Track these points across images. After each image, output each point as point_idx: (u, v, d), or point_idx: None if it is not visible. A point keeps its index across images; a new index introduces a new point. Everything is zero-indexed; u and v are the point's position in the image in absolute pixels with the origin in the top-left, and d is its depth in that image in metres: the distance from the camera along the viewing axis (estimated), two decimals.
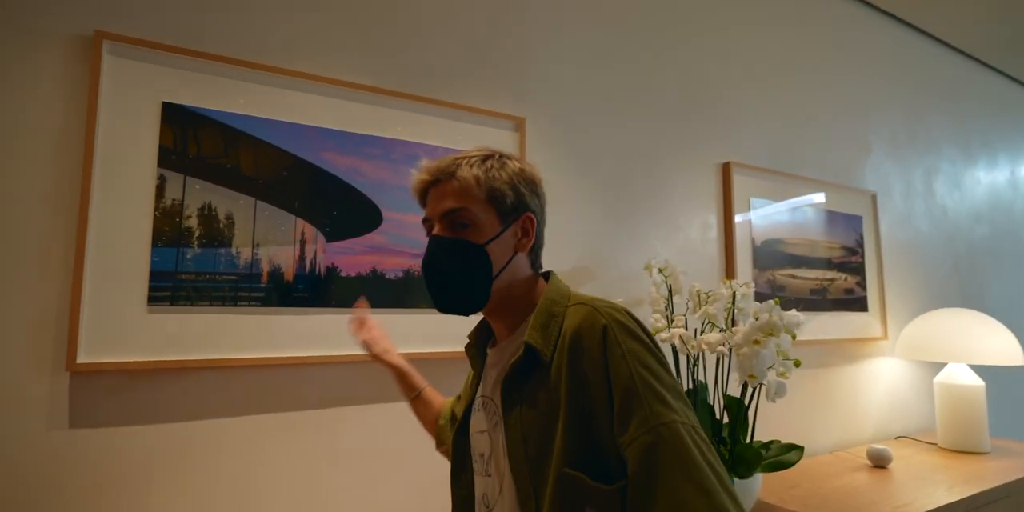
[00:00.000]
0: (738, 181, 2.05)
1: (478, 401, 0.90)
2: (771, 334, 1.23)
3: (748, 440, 1.47)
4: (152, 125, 1.16)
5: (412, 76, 1.46)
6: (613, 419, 0.70)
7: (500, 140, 1.55)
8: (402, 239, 1.39)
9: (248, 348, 1.20)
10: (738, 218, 2.02)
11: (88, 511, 1.06)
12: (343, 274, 1.31)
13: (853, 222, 2.40)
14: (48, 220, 1.06)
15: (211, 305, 1.18)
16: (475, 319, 0.93)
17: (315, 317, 1.28)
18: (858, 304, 2.35)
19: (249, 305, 1.21)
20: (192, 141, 1.19)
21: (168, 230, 1.15)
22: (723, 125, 2.06)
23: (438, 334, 1.40)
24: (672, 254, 1.86)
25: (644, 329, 0.77)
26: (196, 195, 1.18)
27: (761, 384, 1.35)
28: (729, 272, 1.98)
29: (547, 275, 0.90)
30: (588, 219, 1.71)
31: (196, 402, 1.16)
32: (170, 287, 1.14)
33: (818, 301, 2.22)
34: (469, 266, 0.81)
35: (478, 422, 0.89)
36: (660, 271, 1.59)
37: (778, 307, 1.51)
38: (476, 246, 0.81)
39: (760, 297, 2.05)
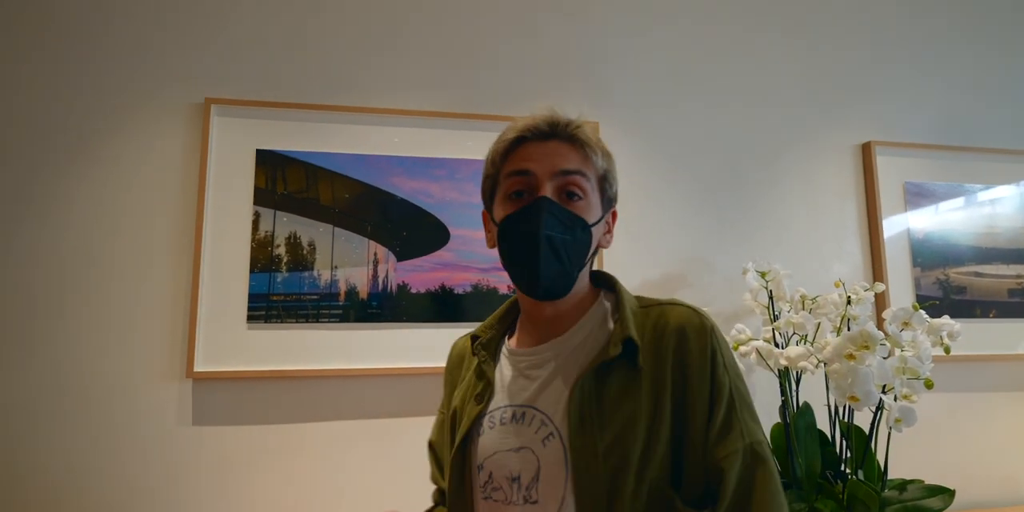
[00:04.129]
0: (885, 163, 1.71)
1: (500, 413, 0.74)
2: (866, 347, 1.00)
3: (879, 477, 1.21)
4: (248, 169, 1.37)
5: (477, 96, 1.51)
6: (709, 430, 0.66)
7: None
8: (469, 255, 1.43)
9: (329, 360, 1.34)
10: (886, 208, 1.69)
11: (208, 494, 1.27)
12: (413, 291, 1.40)
13: None
14: (171, 256, 1.32)
15: (297, 322, 1.34)
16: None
17: (388, 331, 1.37)
18: None
19: (329, 321, 1.35)
20: (280, 180, 1.38)
21: (262, 258, 1.34)
22: (858, 101, 1.74)
23: None
24: (796, 257, 1.61)
25: None
26: (284, 226, 1.36)
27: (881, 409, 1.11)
28: (877, 275, 1.66)
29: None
30: (681, 223, 1.57)
31: (287, 407, 1.33)
32: (264, 307, 1.33)
33: (1022, 305, 1.74)
34: (575, 248, 0.71)
35: (504, 439, 0.72)
36: (762, 275, 1.40)
37: (919, 313, 1.24)
38: (585, 223, 0.71)
39: (926, 302, 1.67)
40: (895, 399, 1.09)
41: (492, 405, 0.75)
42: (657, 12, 1.65)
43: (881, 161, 1.71)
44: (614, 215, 0.80)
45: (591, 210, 0.73)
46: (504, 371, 0.78)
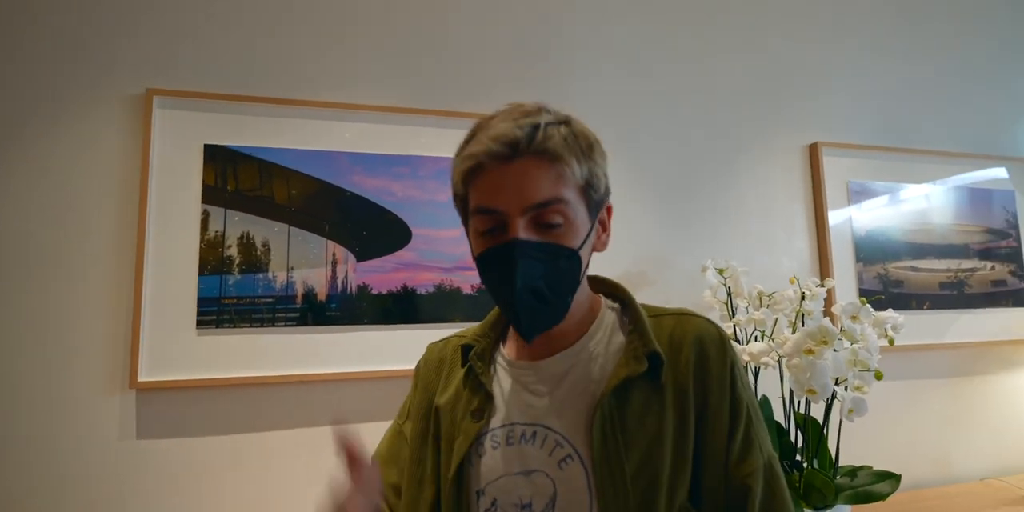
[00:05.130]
0: (830, 163, 1.79)
1: (505, 432, 0.67)
2: (824, 342, 1.04)
3: (831, 465, 1.27)
4: (196, 166, 1.29)
5: (438, 92, 1.47)
6: (731, 446, 0.64)
7: None
8: (432, 254, 1.40)
9: (286, 366, 1.28)
10: (832, 206, 1.76)
11: (154, 510, 1.19)
12: (374, 292, 1.36)
13: (1003, 199, 1.97)
14: (112, 257, 1.23)
15: (251, 326, 1.28)
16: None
17: (348, 334, 1.33)
18: (1012, 298, 1.92)
19: (286, 325, 1.30)
20: (231, 177, 1.30)
21: (212, 260, 1.27)
22: (805, 103, 1.81)
23: None
24: (749, 253, 1.67)
25: None
26: (235, 226, 1.30)
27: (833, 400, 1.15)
28: (824, 269, 1.73)
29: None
30: (641, 221, 1.59)
31: (242, 416, 1.26)
32: (215, 311, 1.26)
33: (952, 297, 1.85)
34: (562, 279, 0.64)
35: (510, 461, 0.66)
36: (720, 272, 1.43)
37: (866, 307, 1.30)
38: (570, 251, 0.64)
39: (870, 295, 1.76)
40: (846, 390, 1.14)
41: (493, 423, 0.68)
42: (614, 10, 1.66)
43: (827, 161, 1.78)
44: (608, 210, 0.71)
45: (575, 232, 0.64)
46: (503, 384, 0.71)
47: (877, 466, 1.30)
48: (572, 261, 0.64)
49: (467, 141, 0.67)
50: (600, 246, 0.72)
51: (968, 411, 1.81)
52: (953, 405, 1.80)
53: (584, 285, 0.72)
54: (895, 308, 1.76)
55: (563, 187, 0.63)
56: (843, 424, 1.24)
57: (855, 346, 1.18)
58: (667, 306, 0.75)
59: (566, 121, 0.66)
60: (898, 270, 1.81)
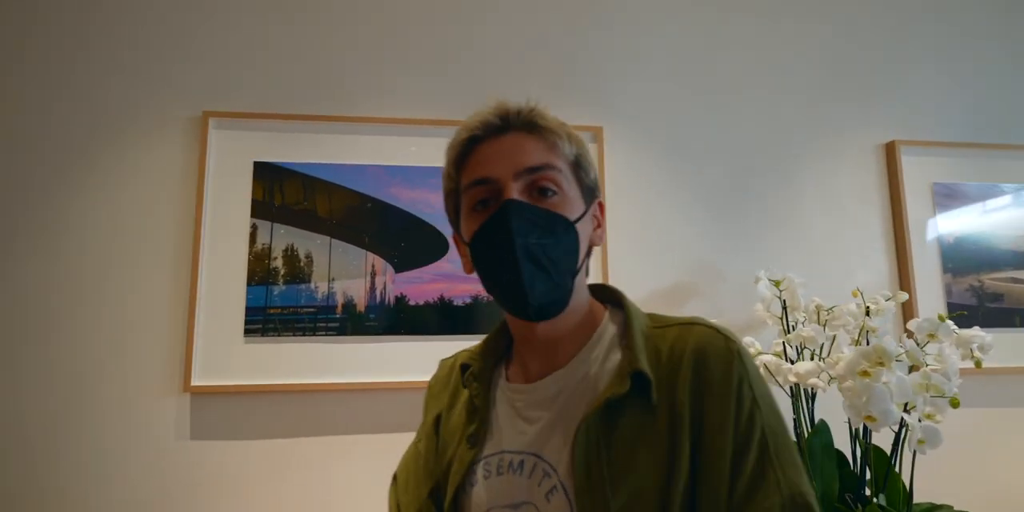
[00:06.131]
0: (910, 163, 1.62)
1: (497, 460, 0.64)
2: (880, 363, 0.93)
3: (905, 501, 1.13)
4: (246, 182, 1.36)
5: (475, 104, 1.47)
6: (736, 481, 0.53)
7: None
8: None
9: (327, 374, 1.32)
10: (913, 211, 1.59)
11: (205, 509, 1.25)
12: (411, 303, 1.37)
13: None
14: (169, 267, 1.32)
15: (294, 335, 1.32)
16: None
17: (386, 344, 1.35)
18: None
19: (326, 334, 1.33)
20: (278, 192, 1.37)
21: (259, 271, 1.33)
22: (881, 97, 1.65)
23: None
24: (816, 264, 1.53)
25: None
26: (281, 238, 1.35)
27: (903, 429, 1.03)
28: (905, 282, 1.56)
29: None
30: (690, 229, 1.51)
31: (285, 422, 1.31)
32: (261, 320, 1.32)
33: None
34: (560, 251, 0.60)
35: (500, 492, 0.62)
36: (776, 284, 1.33)
37: (946, 324, 1.16)
38: (566, 222, 0.60)
39: (959, 310, 1.56)
40: (919, 420, 1.01)
41: (487, 450, 0.65)
42: (660, 7, 1.59)
43: (906, 161, 1.61)
44: (601, 207, 0.68)
45: (570, 204, 0.61)
46: (500, 408, 0.66)
47: (961, 505, 1.15)
48: (570, 234, 0.60)
49: (455, 134, 0.67)
50: (596, 240, 0.67)
51: None
52: None
53: (584, 289, 0.66)
54: (993, 325, 1.57)
55: (555, 157, 0.62)
56: (921, 456, 1.11)
57: (927, 369, 1.05)
58: (679, 316, 0.65)
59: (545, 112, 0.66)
60: (997, 282, 1.60)
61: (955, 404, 1.00)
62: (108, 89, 1.37)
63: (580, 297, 0.64)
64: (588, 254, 0.65)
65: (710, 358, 0.57)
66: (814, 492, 0.55)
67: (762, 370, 1.12)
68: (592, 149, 1.46)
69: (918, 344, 1.20)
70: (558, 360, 0.64)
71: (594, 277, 1.41)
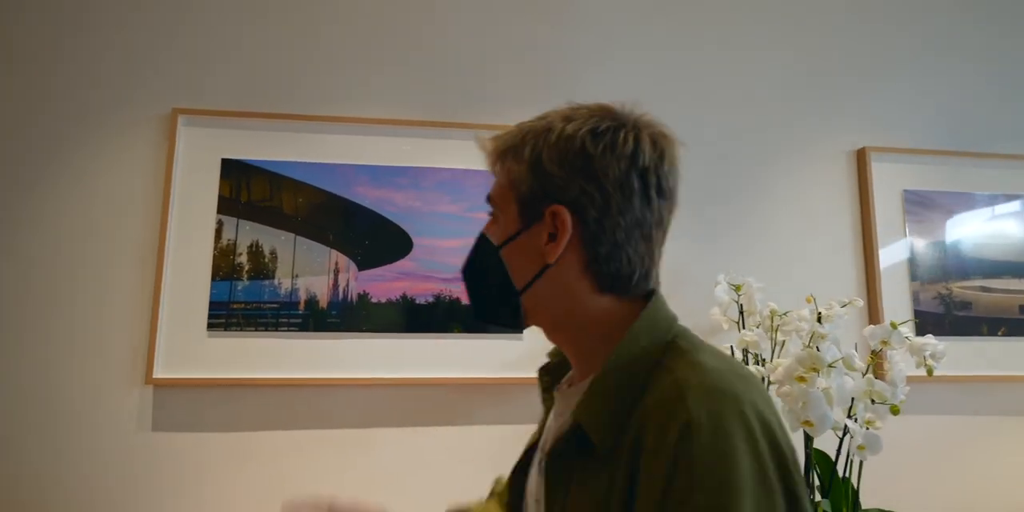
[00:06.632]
0: (881, 170, 1.62)
1: (540, 456, 0.64)
2: (815, 370, 0.93)
3: (852, 506, 1.13)
4: (213, 179, 1.38)
5: (440, 103, 1.49)
6: None
7: None
8: (432, 264, 1.41)
9: (288, 369, 1.34)
10: (883, 217, 1.59)
11: (166, 500, 1.28)
12: (374, 300, 1.38)
13: None
14: (137, 263, 1.34)
15: (256, 330, 1.34)
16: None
17: (348, 341, 1.36)
18: None
19: (288, 330, 1.35)
20: (244, 189, 1.39)
21: (224, 266, 1.35)
22: (852, 103, 1.65)
23: (469, 359, 1.38)
24: (784, 270, 1.53)
25: (776, 432, 0.48)
26: (246, 235, 1.37)
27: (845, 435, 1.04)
28: (872, 289, 1.56)
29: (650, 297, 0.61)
30: None
31: (247, 415, 1.33)
32: (224, 315, 1.34)
33: None
34: (481, 270, 0.63)
35: (532, 485, 0.64)
36: (736, 288, 1.33)
37: (898, 331, 1.17)
38: (488, 246, 0.62)
39: (930, 318, 1.57)
40: (863, 426, 1.02)
41: (542, 440, 0.67)
42: (629, 11, 1.60)
43: (877, 168, 1.61)
44: (555, 215, 0.57)
45: (500, 227, 0.62)
46: (554, 408, 0.67)
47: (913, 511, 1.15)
48: (490, 257, 0.62)
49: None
50: (548, 255, 0.58)
51: None
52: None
53: (586, 305, 0.59)
54: (961, 333, 1.58)
55: (498, 180, 0.63)
56: (882, 463, 1.11)
57: (870, 376, 1.05)
58: (716, 352, 0.56)
59: (571, 117, 0.59)
60: (965, 290, 1.60)
61: (895, 411, 1.01)
62: (78, 85, 1.39)
63: (571, 316, 0.60)
64: (540, 272, 0.59)
65: (653, 422, 0.49)
66: None
67: None
68: None
69: (873, 351, 1.21)
70: (583, 373, 0.62)
71: None
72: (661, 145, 0.59)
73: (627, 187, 0.56)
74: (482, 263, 0.63)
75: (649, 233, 0.59)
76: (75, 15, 1.41)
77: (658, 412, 0.49)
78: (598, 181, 0.56)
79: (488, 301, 0.64)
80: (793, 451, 0.49)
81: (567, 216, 0.56)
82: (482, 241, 0.63)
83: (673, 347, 0.55)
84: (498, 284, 0.61)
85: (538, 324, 0.63)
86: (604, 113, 0.59)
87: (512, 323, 0.63)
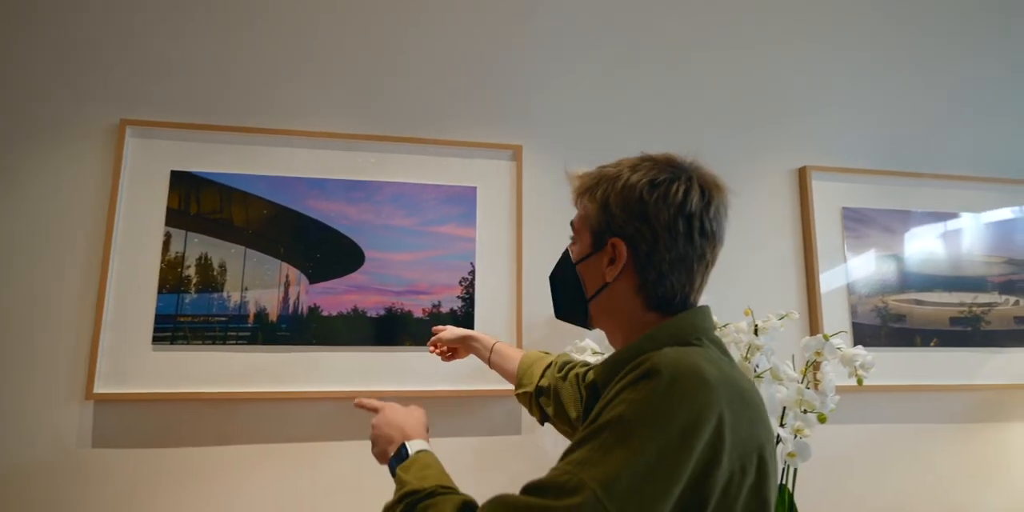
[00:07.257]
0: (822, 188, 1.69)
1: None
2: None
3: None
4: (162, 191, 1.37)
5: (394, 118, 1.51)
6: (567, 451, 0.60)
7: (494, 171, 1.51)
8: (384, 277, 1.42)
9: (235, 383, 1.32)
10: (823, 234, 1.66)
11: None
12: (324, 313, 1.39)
13: None
14: (78, 276, 1.32)
15: (204, 344, 1.33)
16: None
17: (297, 355, 1.36)
18: None
19: (237, 344, 1.34)
20: (194, 201, 1.38)
21: (171, 279, 1.34)
22: (794, 124, 1.73)
23: (420, 372, 1.39)
24: (729, 285, 1.58)
25: (727, 426, 0.58)
26: (195, 247, 1.36)
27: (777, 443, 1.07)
28: (812, 302, 1.63)
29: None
30: None
31: (192, 430, 1.31)
32: (171, 328, 1.32)
33: (966, 334, 1.69)
34: (563, 279, 0.82)
35: None
36: None
37: (830, 342, 1.22)
38: (569, 263, 0.81)
39: (867, 330, 1.63)
40: (795, 434, 1.06)
41: None
42: (582, 32, 1.65)
43: (817, 186, 1.69)
44: (615, 246, 0.72)
45: (578, 248, 0.79)
46: None
47: None
48: (569, 271, 0.80)
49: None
50: (608, 276, 0.74)
51: (985, 462, 1.63)
52: (967, 455, 1.63)
53: (631, 317, 0.74)
54: (896, 344, 1.65)
55: (580, 210, 0.80)
56: (819, 471, 1.16)
57: (800, 385, 1.10)
58: (710, 349, 0.70)
59: (637, 167, 0.74)
60: (900, 303, 1.68)
61: (822, 419, 1.05)
62: (25, 96, 1.37)
63: (617, 323, 0.77)
64: (602, 287, 0.75)
65: (633, 372, 0.62)
66: (614, 482, 0.54)
67: None
68: (510, 168, 1.52)
69: (808, 362, 1.26)
70: None
71: (507, 298, 1.45)
72: (710, 195, 0.72)
73: (674, 229, 0.70)
74: (564, 274, 0.82)
75: (691, 265, 0.72)
76: (23, 25, 1.39)
77: (635, 368, 0.61)
78: (650, 223, 0.70)
79: (565, 303, 0.83)
80: (745, 455, 0.59)
81: (624, 248, 0.72)
82: (565, 257, 0.82)
83: (683, 345, 0.67)
84: (572, 292, 0.80)
85: (601, 328, 0.80)
86: (665, 164, 0.73)
87: (582, 323, 0.82)
